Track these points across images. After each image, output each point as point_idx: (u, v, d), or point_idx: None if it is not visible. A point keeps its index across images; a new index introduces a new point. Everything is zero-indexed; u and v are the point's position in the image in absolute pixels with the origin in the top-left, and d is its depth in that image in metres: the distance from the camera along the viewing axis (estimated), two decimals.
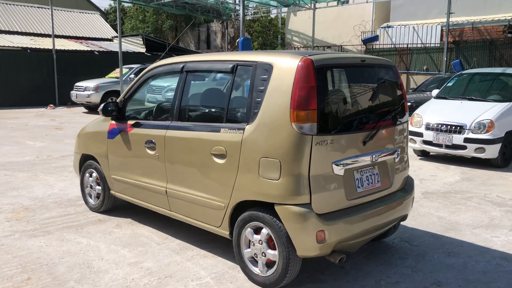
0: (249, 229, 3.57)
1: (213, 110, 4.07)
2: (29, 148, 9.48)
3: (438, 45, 17.76)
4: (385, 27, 19.64)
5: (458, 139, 7.86)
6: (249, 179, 3.46)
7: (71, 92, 17.14)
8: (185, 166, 4.02)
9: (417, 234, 4.68)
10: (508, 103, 8.18)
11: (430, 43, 18.06)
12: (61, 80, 19.53)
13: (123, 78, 16.78)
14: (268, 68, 3.46)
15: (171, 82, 14.91)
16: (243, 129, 3.51)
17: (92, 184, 5.28)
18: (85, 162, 5.37)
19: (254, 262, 3.61)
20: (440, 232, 4.75)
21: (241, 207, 3.64)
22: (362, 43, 19.91)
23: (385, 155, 3.79)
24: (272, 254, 3.43)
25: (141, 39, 24.76)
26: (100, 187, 5.17)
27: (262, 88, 3.45)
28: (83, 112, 17.03)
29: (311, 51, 3.45)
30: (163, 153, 4.20)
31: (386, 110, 3.81)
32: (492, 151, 7.70)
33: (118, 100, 4.80)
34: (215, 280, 3.63)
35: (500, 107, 8.06)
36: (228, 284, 3.59)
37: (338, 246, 3.39)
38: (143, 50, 24.32)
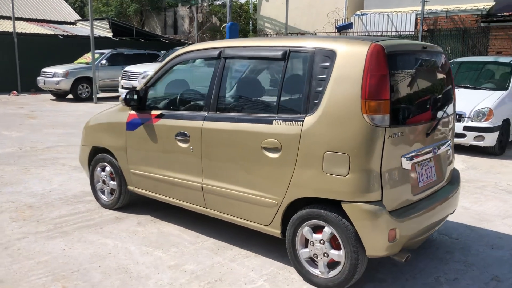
0: (306, 228, 3.34)
1: (261, 100, 3.78)
2: (7, 138, 8.83)
3: (413, 33, 17.91)
4: (359, 15, 19.63)
5: (457, 127, 7.86)
6: (310, 174, 3.21)
7: (38, 78, 16.21)
8: (227, 160, 3.72)
9: (451, 226, 4.58)
10: (504, 91, 8.26)
11: (405, 31, 18.20)
12: (24, 65, 18.47)
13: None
14: (330, 55, 3.21)
15: (148, 68, 14.37)
16: (302, 120, 3.25)
17: (105, 179, 4.88)
18: (95, 155, 4.96)
19: (312, 263, 3.38)
20: (473, 224, 4.68)
21: (295, 205, 3.40)
22: (336, 31, 19.84)
23: (442, 147, 3.64)
24: (336, 254, 3.21)
25: (107, 23, 23.79)
26: (115, 182, 4.79)
27: (324, 76, 3.20)
28: (52, 100, 16.16)
29: (371, 37, 3.26)
30: (198, 146, 3.88)
31: (444, 99, 3.65)
32: (490, 139, 7.77)
33: (138, 89, 4.41)
34: (270, 283, 3.39)
35: (497, 95, 8.13)
36: (285, 286, 3.35)
37: (405, 244, 3.22)
38: (109, 34, 23.39)
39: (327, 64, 3.20)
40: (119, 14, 29.99)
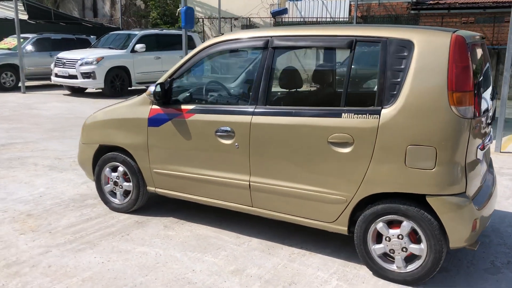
0: (381, 223, 3.26)
1: (323, 92, 3.61)
2: None
3: (347, 19, 18.40)
4: (293, 0, 19.77)
5: None
6: (390, 169, 3.13)
7: None
8: (283, 156, 3.52)
9: None
10: None
11: (339, 17, 18.64)
12: None
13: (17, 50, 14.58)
14: (406, 45, 3.13)
15: (85, 55, 13.38)
16: (378, 113, 3.14)
17: (117, 180, 4.44)
18: (101, 154, 4.49)
19: (385, 258, 3.32)
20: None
21: (365, 200, 3.31)
22: (271, 16, 19.83)
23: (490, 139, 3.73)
24: (417, 248, 3.18)
25: (22, 4, 21.74)
26: (129, 183, 4.37)
27: (402, 67, 3.11)
28: None
29: (442, 27, 3.19)
30: (246, 142, 3.64)
31: (492, 89, 3.73)
32: None
33: (161, 81, 4.02)
34: (345, 282, 3.29)
35: None
36: (361, 285, 3.27)
37: None
38: (25, 17, 21.42)
39: (404, 54, 3.12)
40: None
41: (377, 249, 3.32)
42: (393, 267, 3.28)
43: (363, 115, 3.20)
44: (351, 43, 3.32)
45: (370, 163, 3.19)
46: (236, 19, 21.27)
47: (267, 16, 20.51)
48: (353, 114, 3.23)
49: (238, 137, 3.67)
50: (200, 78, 4.20)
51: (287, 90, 3.81)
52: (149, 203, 4.62)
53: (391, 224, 3.26)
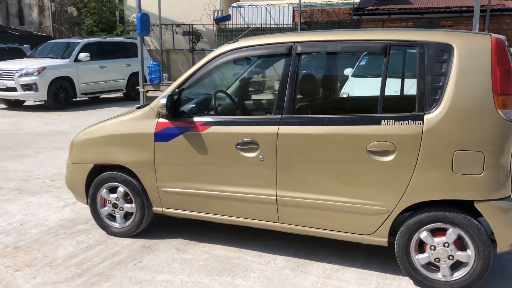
0: (425, 232, 3.17)
1: (356, 98, 3.45)
2: None
3: (291, 25, 18.58)
4: (236, 7, 19.66)
5: None
6: (436, 176, 3.05)
7: None
8: (315, 167, 3.34)
9: None
10: None
11: (283, 24, 18.78)
12: None
13: None
14: (445, 49, 3.06)
15: (24, 66, 12.40)
16: (421, 119, 3.05)
17: (116, 202, 4.04)
18: (97, 174, 4.08)
19: (429, 268, 3.23)
20: None
21: (407, 209, 3.20)
22: (214, 22, 19.61)
23: None
24: (465, 255, 3.11)
25: None
26: (131, 205, 3.99)
27: (443, 71, 3.04)
28: None
29: (472, 31, 3.16)
30: (272, 155, 3.42)
31: None
32: None
33: (169, 92, 3.70)
34: None
35: None
36: None
37: None
38: None
39: (444, 58, 3.05)
40: None
41: (421, 259, 3.21)
42: (438, 276, 3.19)
43: (404, 122, 3.09)
44: (386, 47, 3.20)
45: (414, 171, 3.09)
46: (178, 25, 20.82)
47: (210, 22, 20.28)
48: (393, 120, 3.12)
49: (263, 149, 3.44)
50: (213, 88, 3.91)
51: (323, 97, 3.63)
52: (149, 226, 4.24)
53: (434, 232, 3.17)
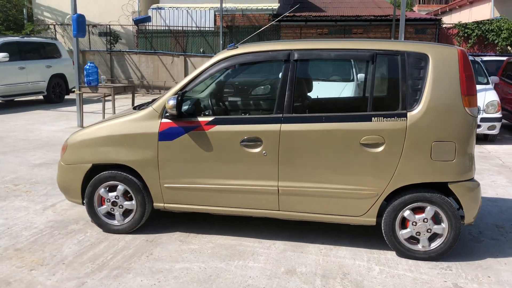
0: (408, 211, 3.78)
1: (347, 99, 3.96)
2: None
3: (213, 29, 18.94)
4: (156, 9, 19.58)
5: None
6: (418, 163, 3.67)
7: None
8: (314, 160, 3.81)
9: None
10: (487, 85, 9.41)
11: (205, 27, 19.08)
12: None
13: None
14: (422, 57, 3.70)
15: None
16: (405, 116, 3.66)
17: (116, 200, 4.19)
18: (95, 174, 4.20)
19: (410, 241, 3.84)
20: None
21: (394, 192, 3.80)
22: (133, 23, 19.37)
23: None
24: (440, 228, 3.76)
25: None
26: (131, 202, 4.18)
27: (421, 76, 3.67)
28: None
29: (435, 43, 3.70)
30: (275, 150, 3.84)
31: None
32: (498, 128, 8.82)
33: (172, 94, 3.96)
34: (385, 266, 3.71)
35: (491, 88, 9.24)
36: (398, 266, 3.73)
37: None
38: None
39: (422, 65, 3.68)
40: None
41: (404, 233, 3.82)
42: (419, 247, 3.82)
43: (391, 118, 3.67)
44: (373, 56, 3.77)
45: (400, 159, 3.68)
46: (94, 26, 20.21)
47: (129, 23, 19.98)
48: (382, 117, 3.69)
49: (267, 145, 3.84)
50: (215, 90, 4.19)
51: (319, 98, 4.09)
52: (144, 222, 4.43)
53: (415, 210, 3.79)
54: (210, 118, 3.96)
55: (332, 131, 3.75)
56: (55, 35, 20.26)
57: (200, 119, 3.96)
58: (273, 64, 4.37)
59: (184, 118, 3.98)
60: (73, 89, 10.28)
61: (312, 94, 4.45)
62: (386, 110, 3.74)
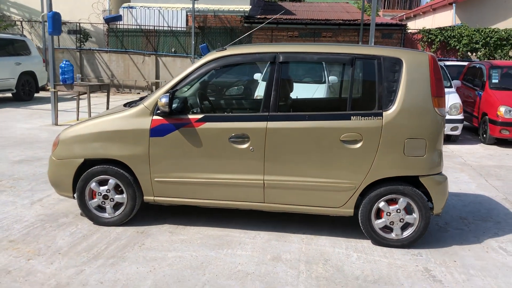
0: (383, 202, 4.12)
1: (328, 100, 4.26)
2: None
3: (185, 29, 19.05)
4: (127, 8, 19.53)
5: None
6: (392, 158, 4.01)
7: None
8: (298, 155, 4.10)
9: None
10: (450, 88, 9.74)
11: (177, 27, 19.17)
12: None
13: None
14: (397, 62, 4.05)
15: None
16: (381, 115, 3.99)
17: (107, 194, 4.36)
18: (86, 169, 4.36)
19: (385, 230, 4.18)
20: None
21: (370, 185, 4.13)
22: (104, 22, 19.26)
23: None
24: (412, 218, 4.12)
25: None
26: (122, 196, 4.36)
27: (395, 79, 4.02)
28: None
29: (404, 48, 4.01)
30: (261, 146, 4.11)
31: None
32: (460, 129, 9.28)
33: (164, 92, 4.18)
34: (362, 253, 4.04)
35: (453, 91, 9.64)
36: (374, 253, 4.06)
37: None
38: None
39: (396, 69, 4.03)
40: None
41: (379, 223, 4.16)
42: (392, 236, 4.17)
43: (368, 117, 4.00)
44: (352, 60, 4.09)
45: (376, 155, 4.02)
46: (64, 23, 19.93)
47: (99, 22, 19.86)
48: (360, 116, 4.01)
49: (253, 141, 4.10)
50: (204, 90, 4.41)
51: (302, 98, 4.38)
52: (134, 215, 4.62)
53: (389, 202, 4.14)
54: (200, 116, 4.19)
55: (314, 128, 4.05)
56: (22, 32, 19.91)
57: (190, 116, 4.19)
58: (253, 66, 4.64)
59: (174, 115, 4.20)
60: (48, 87, 10.26)
61: (292, 95, 4.76)
62: (364, 110, 4.06)
